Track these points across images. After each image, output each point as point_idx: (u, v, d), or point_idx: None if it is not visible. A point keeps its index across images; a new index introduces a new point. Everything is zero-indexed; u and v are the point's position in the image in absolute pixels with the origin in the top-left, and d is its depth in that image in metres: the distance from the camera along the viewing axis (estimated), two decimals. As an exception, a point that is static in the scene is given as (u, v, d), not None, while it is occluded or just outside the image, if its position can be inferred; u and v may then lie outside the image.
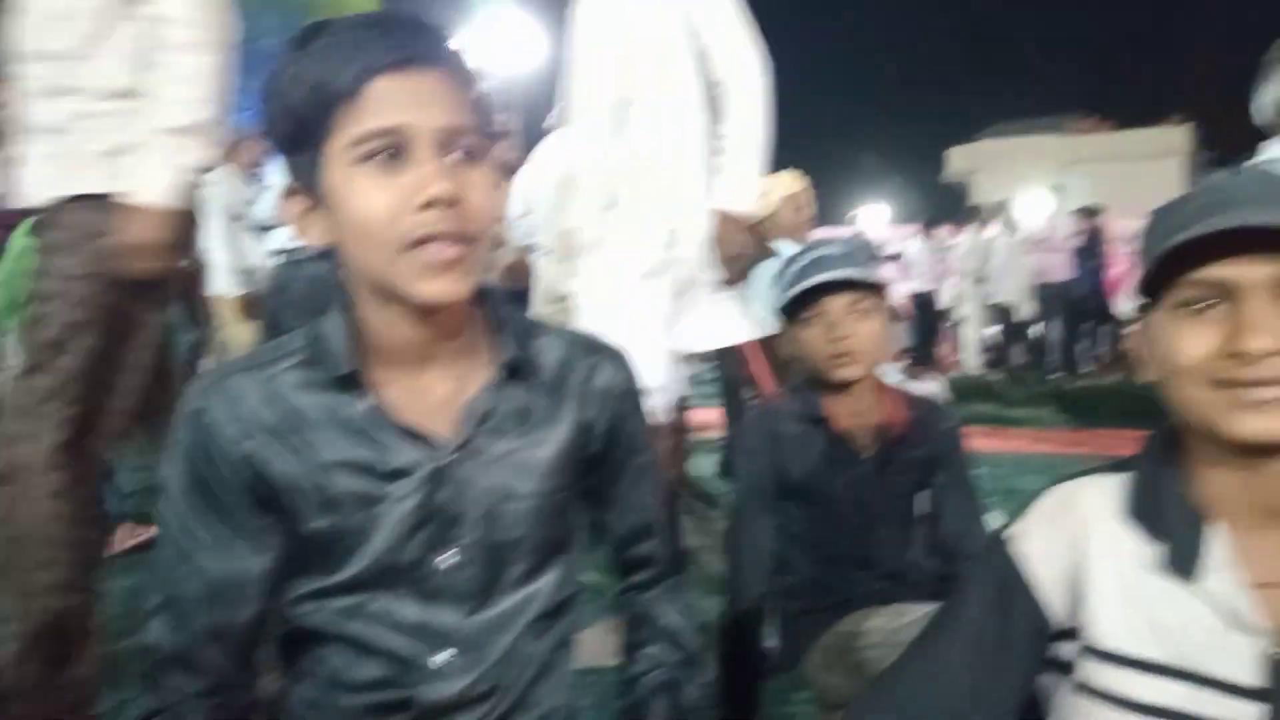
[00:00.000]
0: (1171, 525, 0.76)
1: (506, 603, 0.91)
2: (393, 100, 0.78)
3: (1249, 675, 0.71)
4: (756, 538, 1.54)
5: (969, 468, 1.56)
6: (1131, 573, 0.76)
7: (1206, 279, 0.70)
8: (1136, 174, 22.62)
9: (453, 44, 0.83)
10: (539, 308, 2.69)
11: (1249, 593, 0.73)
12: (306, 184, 0.83)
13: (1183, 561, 0.74)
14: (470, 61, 0.84)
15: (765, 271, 3.06)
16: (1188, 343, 0.72)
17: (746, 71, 2.11)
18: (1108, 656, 0.76)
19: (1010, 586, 0.81)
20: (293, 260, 2.50)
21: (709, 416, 5.54)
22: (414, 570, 0.88)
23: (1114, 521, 0.79)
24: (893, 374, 1.98)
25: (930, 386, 1.88)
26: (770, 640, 1.56)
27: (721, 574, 1.60)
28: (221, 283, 4.63)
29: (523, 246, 4.57)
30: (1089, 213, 8.96)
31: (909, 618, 1.27)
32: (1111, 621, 0.76)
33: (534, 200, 3.76)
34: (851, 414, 1.49)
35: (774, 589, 1.54)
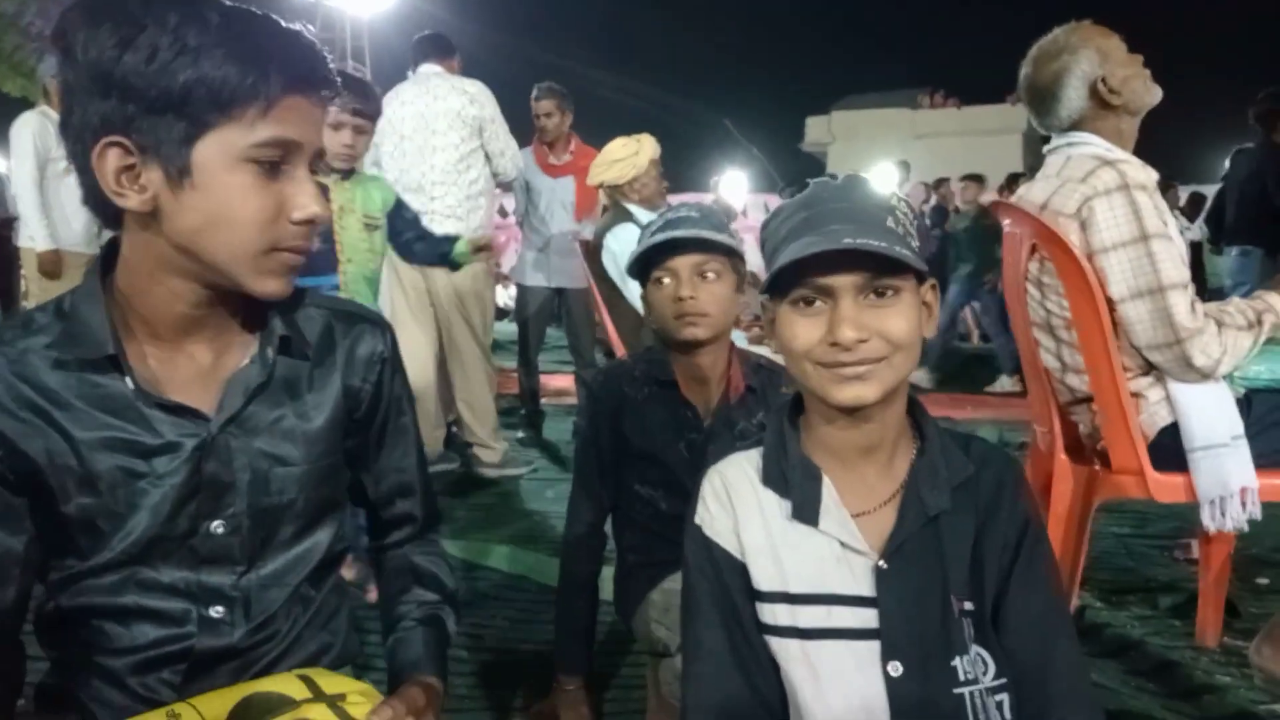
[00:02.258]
0: (794, 483, 0.94)
1: (280, 561, 0.94)
2: (298, 117, 0.83)
3: (866, 587, 0.91)
4: (593, 495, 1.55)
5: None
6: (774, 525, 0.94)
7: (810, 284, 0.89)
8: (978, 148, 23.86)
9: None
10: None
11: (854, 523, 0.93)
12: (152, 147, 0.79)
13: (806, 511, 0.93)
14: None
15: (623, 235, 3.03)
16: (800, 332, 0.90)
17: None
18: (766, 596, 0.93)
19: (717, 562, 0.96)
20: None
21: (563, 382, 5.52)
22: (185, 539, 0.89)
23: (754, 488, 0.97)
24: (741, 339, 1.99)
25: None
26: (606, 591, 1.59)
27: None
28: (32, 234, 4.17)
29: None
30: (937, 184, 9.38)
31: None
32: (763, 568, 0.94)
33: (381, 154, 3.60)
34: (698, 378, 1.50)
35: (614, 543, 1.57)
